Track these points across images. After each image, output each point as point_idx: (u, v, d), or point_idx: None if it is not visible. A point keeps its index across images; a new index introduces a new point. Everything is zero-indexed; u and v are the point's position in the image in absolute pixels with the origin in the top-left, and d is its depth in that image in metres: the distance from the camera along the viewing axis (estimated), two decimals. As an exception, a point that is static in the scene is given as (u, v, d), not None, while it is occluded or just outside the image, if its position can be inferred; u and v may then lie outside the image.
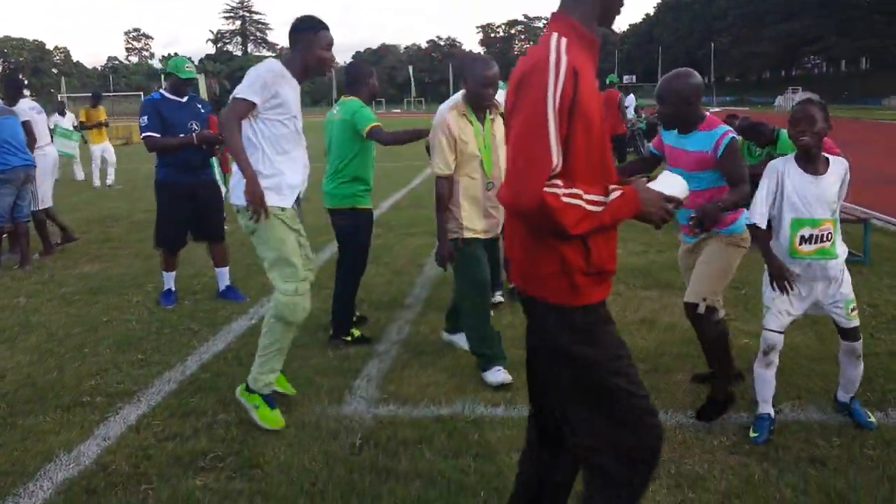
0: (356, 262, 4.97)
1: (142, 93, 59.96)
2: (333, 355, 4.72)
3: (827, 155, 3.43)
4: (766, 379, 3.55)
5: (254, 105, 3.61)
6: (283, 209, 3.71)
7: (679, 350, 4.65)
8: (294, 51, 3.85)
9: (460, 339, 4.79)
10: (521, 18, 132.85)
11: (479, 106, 4.19)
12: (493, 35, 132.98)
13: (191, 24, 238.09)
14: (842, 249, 3.44)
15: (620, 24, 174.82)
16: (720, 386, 3.75)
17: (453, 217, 4.26)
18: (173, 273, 6.14)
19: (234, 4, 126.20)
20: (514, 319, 5.27)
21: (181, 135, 5.72)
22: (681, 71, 3.64)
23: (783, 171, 3.41)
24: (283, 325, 3.74)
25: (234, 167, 3.67)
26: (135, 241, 8.76)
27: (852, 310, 3.48)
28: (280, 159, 3.73)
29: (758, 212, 3.44)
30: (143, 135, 5.73)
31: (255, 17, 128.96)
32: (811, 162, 3.38)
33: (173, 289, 6.11)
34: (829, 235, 3.36)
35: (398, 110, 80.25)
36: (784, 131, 8.01)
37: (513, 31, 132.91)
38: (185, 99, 5.92)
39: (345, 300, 4.97)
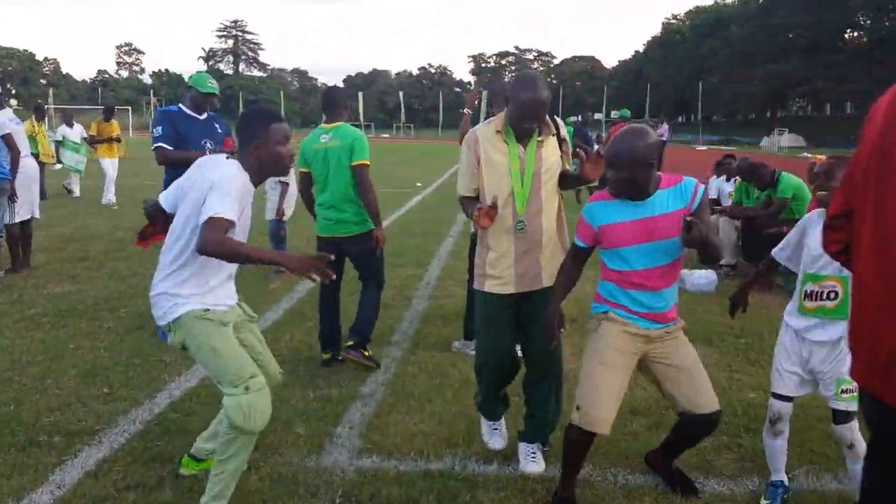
0: (383, 277, 5.25)
1: (129, 107, 59.53)
2: (314, 396, 4.43)
3: None
4: (775, 449, 3.31)
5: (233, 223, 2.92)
6: (206, 310, 3.07)
7: (682, 404, 4.38)
8: (245, 148, 3.14)
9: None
10: (512, 50, 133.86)
11: (519, 127, 3.33)
12: (483, 65, 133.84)
13: (183, 41, 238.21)
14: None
15: (610, 59, 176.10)
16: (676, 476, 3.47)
17: (479, 264, 3.52)
18: None
19: (228, 23, 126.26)
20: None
21: (193, 151, 5.34)
22: (635, 128, 3.11)
23: (814, 222, 3.23)
24: (240, 437, 2.98)
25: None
26: (113, 261, 8.41)
27: (843, 391, 3.10)
28: (210, 274, 3.12)
29: (784, 250, 3.38)
30: (155, 145, 5.37)
31: (249, 36, 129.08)
32: None
33: None
34: (834, 294, 3.12)
35: (387, 135, 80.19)
36: (785, 174, 7.85)
37: (503, 62, 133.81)
38: (203, 116, 5.59)
39: (374, 320, 5.13)
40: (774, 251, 3.43)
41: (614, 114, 14.62)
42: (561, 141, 3.46)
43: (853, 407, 3.10)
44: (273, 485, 3.34)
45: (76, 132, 14.24)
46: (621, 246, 3.11)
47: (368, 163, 4.89)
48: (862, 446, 3.11)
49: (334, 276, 3.10)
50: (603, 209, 3.15)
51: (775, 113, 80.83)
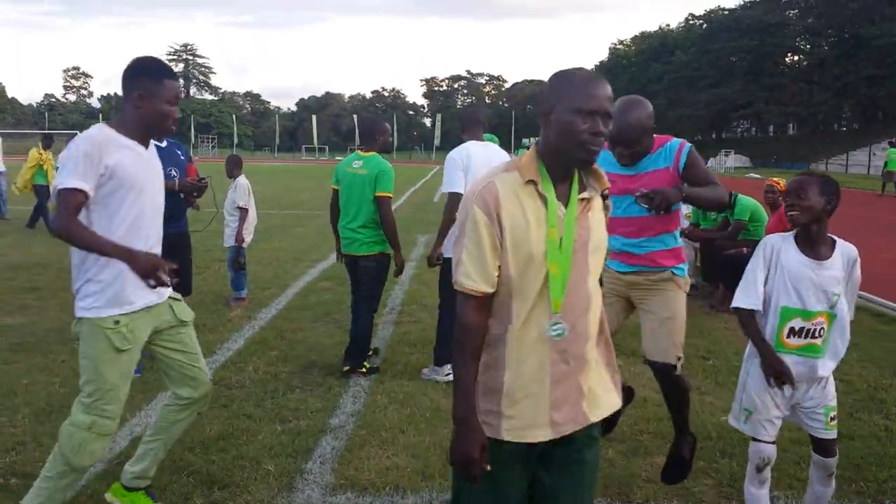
0: (378, 299, 5.61)
1: (77, 132, 58.22)
2: (282, 429, 4.31)
3: (835, 238, 3.05)
4: (760, 499, 3.13)
5: (85, 193, 2.77)
6: (117, 322, 2.91)
7: (656, 428, 4.37)
8: (128, 104, 2.95)
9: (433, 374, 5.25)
10: (464, 74, 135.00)
11: (568, 164, 2.06)
12: (436, 88, 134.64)
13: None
14: (834, 349, 3.04)
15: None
16: (685, 441, 3.55)
17: (486, 391, 2.10)
18: None
19: (178, 47, 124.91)
20: None
21: None
22: (630, 99, 3.36)
23: (780, 248, 3.03)
24: (61, 465, 2.90)
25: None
26: (64, 290, 8.12)
27: (832, 419, 3.05)
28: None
29: (753, 293, 3.02)
30: None
31: (199, 60, 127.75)
32: (812, 244, 2.99)
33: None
34: (822, 331, 2.99)
35: (340, 158, 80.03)
36: (741, 196, 7.99)
37: (456, 86, 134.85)
38: (164, 144, 5.44)
39: (367, 334, 5.49)
40: (742, 302, 3.06)
41: None
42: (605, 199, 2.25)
43: (836, 433, 3.09)
44: (245, 525, 3.22)
45: None
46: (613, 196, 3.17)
47: (391, 195, 5.34)
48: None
49: (170, 286, 2.88)
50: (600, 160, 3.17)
51: (720, 135, 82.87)
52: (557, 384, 2.06)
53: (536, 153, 2.07)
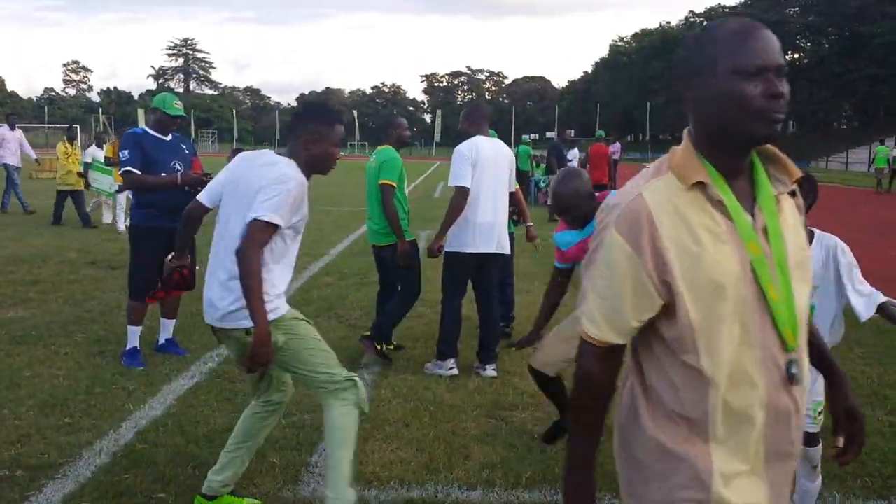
0: (408, 290, 5.61)
1: (78, 126, 58.12)
2: (287, 423, 4.30)
3: (814, 230, 2.97)
4: None
5: (277, 230, 2.97)
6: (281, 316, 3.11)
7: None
8: (296, 141, 3.14)
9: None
10: (464, 70, 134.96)
11: (742, 146, 1.48)
12: (436, 84, 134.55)
13: (132, 59, 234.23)
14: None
15: (559, 80, 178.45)
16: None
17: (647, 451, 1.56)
18: (139, 328, 5.49)
19: (178, 42, 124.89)
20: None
21: (163, 174, 5.24)
22: (569, 171, 3.95)
23: None
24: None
25: None
26: (66, 283, 8.12)
27: (819, 413, 3.00)
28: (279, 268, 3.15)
29: None
30: (123, 169, 5.21)
31: (199, 55, 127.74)
32: None
33: (139, 347, 5.46)
34: None
35: (343, 153, 79.83)
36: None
37: (456, 82, 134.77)
38: (168, 137, 5.44)
39: (394, 319, 5.59)
40: None
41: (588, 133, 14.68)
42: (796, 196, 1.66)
43: (820, 426, 3.05)
44: (251, 518, 3.22)
45: (102, 153, 13.09)
46: (577, 260, 3.81)
47: (391, 183, 5.43)
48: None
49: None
50: (566, 236, 3.95)
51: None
52: (773, 447, 1.50)
53: (691, 144, 1.52)
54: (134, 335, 5.44)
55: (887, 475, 3.76)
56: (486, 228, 5.19)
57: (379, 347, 5.46)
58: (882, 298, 2.97)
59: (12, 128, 15.21)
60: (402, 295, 5.65)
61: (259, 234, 2.87)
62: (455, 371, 5.23)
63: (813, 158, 55.67)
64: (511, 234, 6.28)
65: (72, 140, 13.96)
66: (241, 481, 3.53)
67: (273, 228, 2.91)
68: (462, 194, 5.09)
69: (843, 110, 72.84)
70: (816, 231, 3.02)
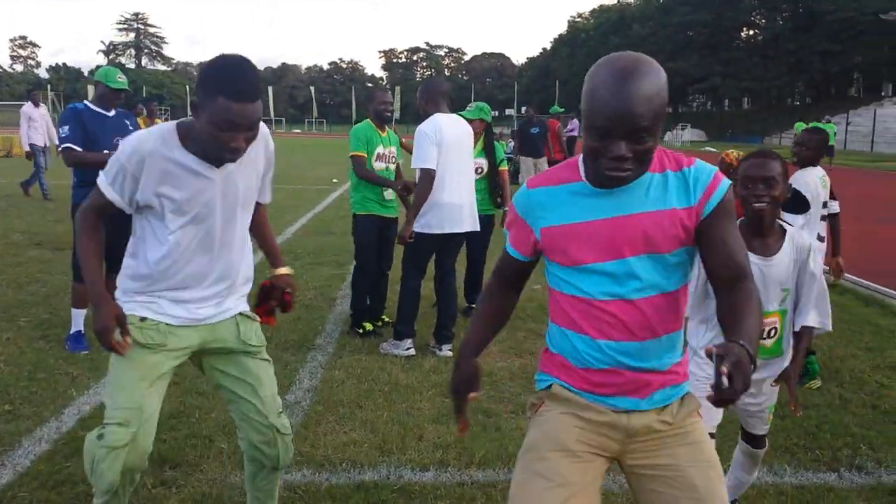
0: (358, 260, 5.66)
1: (23, 102, 56.47)
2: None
3: (783, 223, 2.71)
4: None
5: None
6: (142, 318, 2.50)
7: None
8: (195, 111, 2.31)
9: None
10: (423, 46, 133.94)
11: None
12: (395, 60, 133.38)
13: (81, 34, 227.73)
14: (788, 346, 2.75)
15: (519, 56, 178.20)
16: None
17: None
18: (84, 311, 5.29)
19: (129, 16, 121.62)
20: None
21: (105, 150, 5.01)
22: (633, 59, 1.82)
23: None
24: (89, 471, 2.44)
25: None
26: (8, 266, 7.85)
27: (771, 414, 2.91)
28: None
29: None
30: (63, 146, 4.96)
31: (151, 30, 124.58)
32: (760, 236, 2.65)
33: (83, 330, 5.27)
34: (774, 332, 2.68)
35: (298, 130, 78.83)
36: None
37: (415, 58, 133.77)
38: (111, 113, 5.22)
39: (358, 293, 5.68)
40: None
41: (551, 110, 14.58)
42: None
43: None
44: (197, 505, 3.13)
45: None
46: (582, 263, 1.80)
47: (360, 154, 5.46)
48: None
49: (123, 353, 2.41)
50: (550, 199, 1.84)
51: (676, 109, 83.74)
52: None
53: None
54: (79, 318, 5.26)
55: (837, 447, 3.81)
56: (454, 210, 5.07)
57: (360, 330, 5.62)
58: (814, 322, 2.72)
59: (36, 104, 14.03)
60: (354, 270, 5.78)
61: (91, 196, 2.51)
62: (412, 351, 5.18)
63: (767, 134, 56.63)
64: (490, 216, 6.24)
65: (152, 116, 14.20)
66: (188, 468, 3.44)
67: (100, 194, 2.47)
68: (428, 177, 4.95)
69: (796, 87, 74.14)
70: (788, 228, 2.71)
